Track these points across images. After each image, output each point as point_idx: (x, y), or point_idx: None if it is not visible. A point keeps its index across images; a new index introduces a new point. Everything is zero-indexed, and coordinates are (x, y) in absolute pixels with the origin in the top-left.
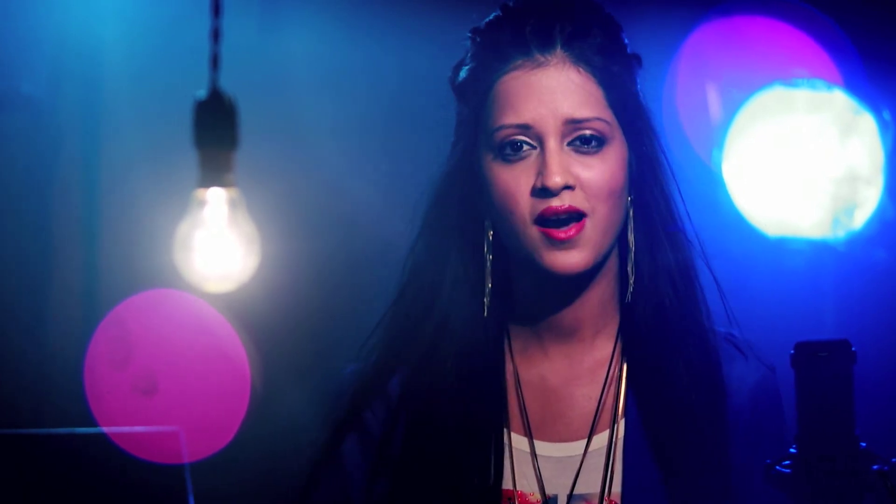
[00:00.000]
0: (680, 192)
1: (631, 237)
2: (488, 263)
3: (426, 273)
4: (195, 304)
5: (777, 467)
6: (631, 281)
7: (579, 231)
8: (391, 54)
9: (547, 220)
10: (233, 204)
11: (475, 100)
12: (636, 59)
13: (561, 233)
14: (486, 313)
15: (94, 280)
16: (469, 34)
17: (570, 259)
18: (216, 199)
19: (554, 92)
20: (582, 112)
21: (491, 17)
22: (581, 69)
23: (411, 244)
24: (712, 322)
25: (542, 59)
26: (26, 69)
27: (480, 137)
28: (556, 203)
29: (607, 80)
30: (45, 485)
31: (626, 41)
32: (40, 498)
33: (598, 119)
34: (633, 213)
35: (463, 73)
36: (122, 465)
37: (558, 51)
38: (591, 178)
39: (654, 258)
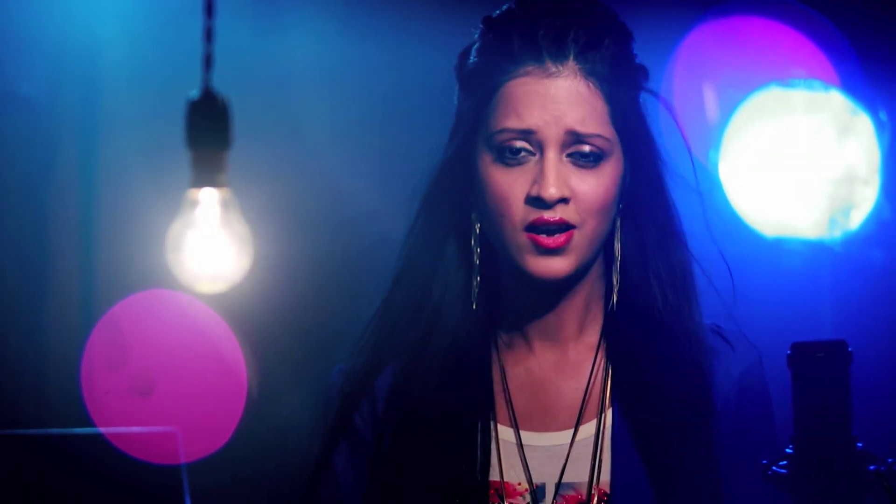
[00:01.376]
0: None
1: (617, 245)
2: (475, 257)
3: (419, 264)
4: (192, 305)
5: (774, 468)
6: (616, 288)
7: (568, 241)
8: (386, 53)
9: (537, 229)
10: (225, 204)
11: (480, 95)
12: (643, 72)
13: (550, 241)
14: (474, 305)
15: (91, 280)
16: (481, 24)
17: (554, 265)
18: (208, 200)
19: (561, 102)
20: (585, 127)
21: (503, 11)
22: (591, 83)
23: (406, 234)
24: (701, 316)
25: (554, 69)
26: (26, 69)
27: (480, 134)
28: (548, 215)
29: (614, 95)
30: (42, 485)
31: (636, 52)
32: (38, 498)
33: (600, 136)
34: (621, 222)
35: (471, 66)
36: (119, 466)
37: (570, 62)
38: (586, 192)
39: (646, 266)
